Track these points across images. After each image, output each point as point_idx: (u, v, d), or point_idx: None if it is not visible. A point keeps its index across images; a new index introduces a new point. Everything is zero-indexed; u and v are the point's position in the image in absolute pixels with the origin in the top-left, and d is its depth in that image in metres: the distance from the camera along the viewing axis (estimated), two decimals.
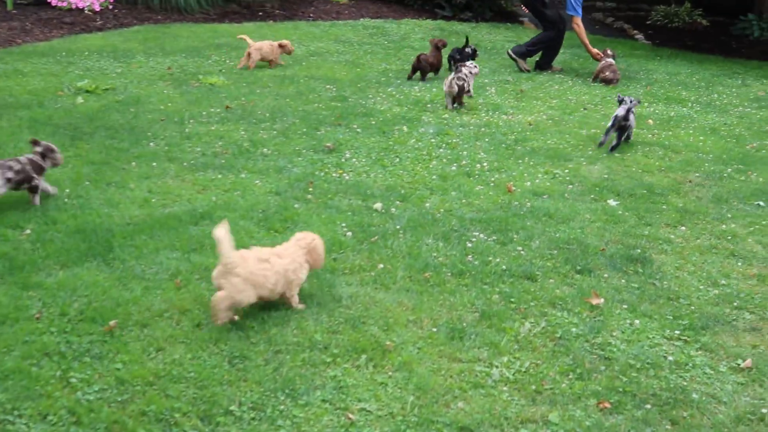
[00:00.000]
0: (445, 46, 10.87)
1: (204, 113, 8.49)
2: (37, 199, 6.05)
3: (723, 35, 16.08)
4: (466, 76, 9.33)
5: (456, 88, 9.24)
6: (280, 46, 10.97)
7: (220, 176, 6.81)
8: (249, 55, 10.66)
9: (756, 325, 4.99)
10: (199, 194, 6.42)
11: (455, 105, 9.35)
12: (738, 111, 10.27)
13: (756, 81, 11.75)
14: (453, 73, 9.41)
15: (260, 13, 14.52)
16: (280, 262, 4.76)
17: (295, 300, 4.89)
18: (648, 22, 16.89)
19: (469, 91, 9.41)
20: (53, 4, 13.19)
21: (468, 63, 9.64)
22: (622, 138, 8.18)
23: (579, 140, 8.39)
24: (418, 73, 10.65)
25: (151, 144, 7.46)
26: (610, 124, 8.14)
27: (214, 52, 11.36)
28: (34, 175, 6.00)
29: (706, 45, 15.03)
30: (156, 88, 9.38)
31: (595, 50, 11.57)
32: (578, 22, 11.46)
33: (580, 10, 11.41)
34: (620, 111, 8.07)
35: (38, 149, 6.12)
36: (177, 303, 4.79)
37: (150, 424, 3.82)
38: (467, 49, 11.01)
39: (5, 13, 12.78)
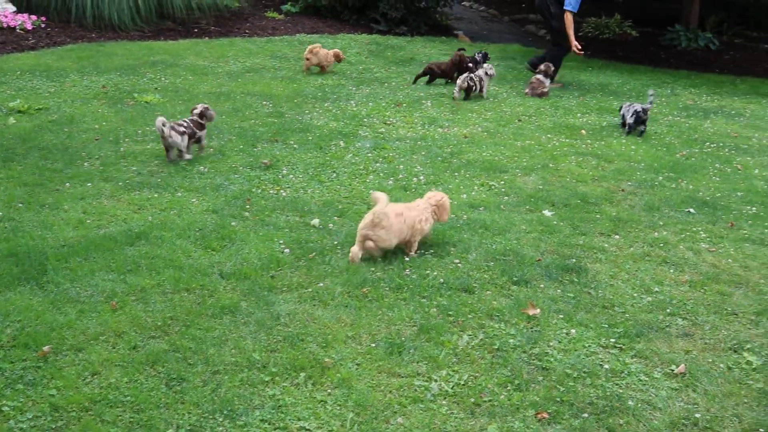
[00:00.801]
0: (466, 63, 11.44)
1: (140, 132, 8.42)
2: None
3: (652, 46, 16.42)
4: (481, 77, 10.70)
5: (466, 85, 10.62)
6: (335, 55, 11.75)
7: (156, 195, 6.76)
8: (308, 59, 11.53)
9: (688, 330, 5.08)
10: (135, 214, 6.36)
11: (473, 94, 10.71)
12: (668, 120, 10.49)
13: (684, 90, 12.02)
14: (468, 72, 10.77)
15: (195, 30, 14.44)
16: (410, 215, 5.80)
17: (413, 248, 5.89)
18: (579, 34, 17.09)
19: (481, 90, 10.68)
20: None
21: (485, 65, 10.82)
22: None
23: (514, 152, 8.49)
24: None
25: (86, 164, 7.38)
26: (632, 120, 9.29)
27: (150, 69, 11.27)
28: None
29: (636, 56, 15.33)
30: (90, 107, 9.27)
31: (575, 43, 11.71)
32: (569, 18, 11.68)
33: (577, 7, 11.59)
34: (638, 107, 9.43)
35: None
36: (113, 326, 4.73)
37: None
38: (477, 56, 11.69)
39: None
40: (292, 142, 8.32)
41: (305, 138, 8.48)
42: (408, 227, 5.78)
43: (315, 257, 5.76)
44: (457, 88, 10.67)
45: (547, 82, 11.34)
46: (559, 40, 12.02)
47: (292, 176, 7.38)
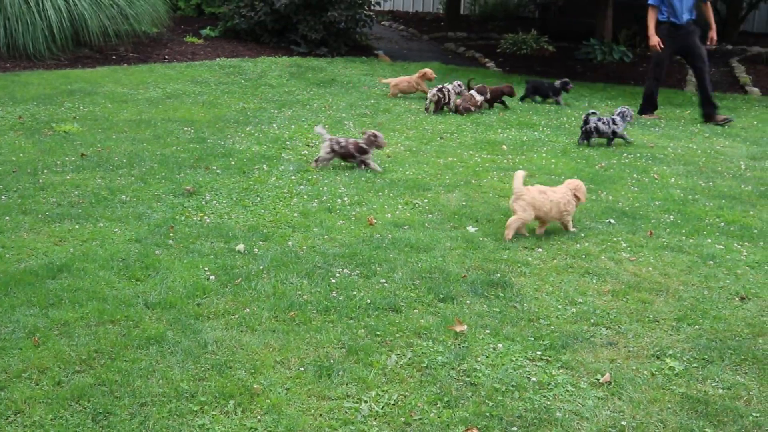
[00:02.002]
0: (485, 95, 11.69)
1: (58, 162, 8.29)
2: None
3: (569, 60, 16.75)
4: (449, 91, 11.23)
5: (436, 98, 11.20)
6: (422, 75, 12.27)
7: (77, 226, 6.65)
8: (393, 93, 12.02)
9: (612, 339, 5.17)
10: (56, 246, 6.26)
11: (442, 110, 11.35)
12: None
13: (601, 102, 12.27)
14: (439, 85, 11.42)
15: (113, 57, 14.29)
16: (554, 195, 6.78)
17: (569, 226, 6.95)
18: (498, 50, 17.44)
19: (448, 103, 11.18)
20: None
21: (455, 82, 11.39)
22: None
23: (437, 169, 8.56)
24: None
25: (3, 197, 7.24)
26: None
27: (67, 98, 11.12)
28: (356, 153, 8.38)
29: (554, 70, 15.61)
30: (6, 138, 9.11)
31: (656, 40, 11.85)
32: (650, 12, 11.90)
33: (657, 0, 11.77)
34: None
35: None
36: (35, 362, 4.64)
37: None
38: (557, 84, 12.28)
39: None
40: (215, 168, 8.27)
41: (228, 163, 8.44)
42: (553, 205, 6.75)
43: (241, 283, 5.73)
44: (427, 101, 11.23)
45: (479, 98, 11.48)
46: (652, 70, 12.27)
47: (215, 202, 7.34)
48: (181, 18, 17.74)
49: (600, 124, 9.99)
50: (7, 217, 6.77)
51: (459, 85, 11.46)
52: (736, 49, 18.80)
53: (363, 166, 8.49)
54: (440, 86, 11.39)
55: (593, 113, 10.09)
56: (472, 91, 11.52)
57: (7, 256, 6.04)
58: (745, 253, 6.68)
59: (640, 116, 12.02)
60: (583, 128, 9.99)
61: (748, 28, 20.77)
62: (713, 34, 11.93)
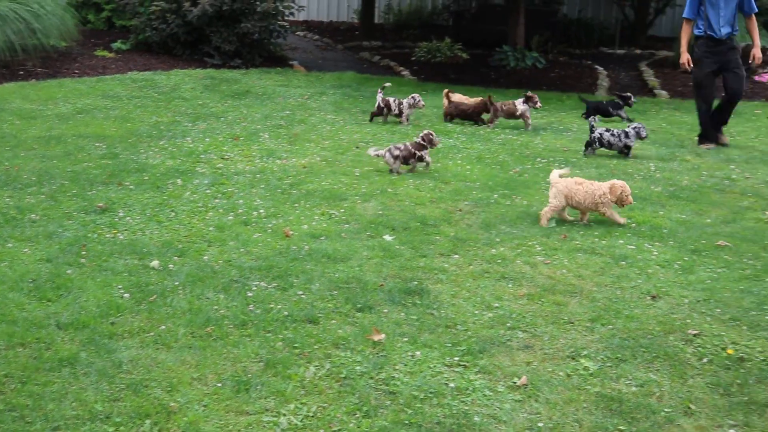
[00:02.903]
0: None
1: None
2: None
3: (483, 67, 16.94)
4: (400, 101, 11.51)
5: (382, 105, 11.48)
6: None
7: None
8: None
9: (528, 342, 5.24)
10: None
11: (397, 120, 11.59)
12: (500, 138, 10.82)
13: None
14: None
15: (21, 72, 13.96)
16: (590, 187, 7.34)
17: (614, 218, 7.43)
18: (413, 59, 17.52)
19: (396, 112, 11.41)
20: None
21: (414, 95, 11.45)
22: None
23: (353, 179, 8.57)
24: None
25: None
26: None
27: None
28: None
29: (468, 77, 15.76)
30: None
31: (685, 57, 11.09)
32: (684, 26, 11.23)
33: (690, 13, 11.01)
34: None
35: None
36: None
37: None
38: (616, 100, 11.85)
39: None
40: (127, 183, 8.14)
41: (141, 178, 8.32)
42: (587, 195, 7.31)
43: (156, 299, 5.65)
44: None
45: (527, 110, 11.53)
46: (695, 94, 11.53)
47: (129, 218, 7.22)
48: (91, 31, 17.41)
49: (609, 136, 10.08)
50: None
51: (413, 97, 11.43)
52: (644, 53, 19.24)
53: (420, 163, 9.02)
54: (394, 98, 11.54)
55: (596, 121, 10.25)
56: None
57: None
58: (656, 253, 6.82)
59: (699, 146, 11.01)
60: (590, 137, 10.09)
61: (655, 33, 21.24)
62: (757, 51, 10.92)
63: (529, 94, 11.43)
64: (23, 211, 7.28)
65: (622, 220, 7.42)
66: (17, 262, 6.22)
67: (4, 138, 9.76)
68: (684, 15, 11.11)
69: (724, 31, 10.69)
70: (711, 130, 11.01)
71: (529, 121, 11.54)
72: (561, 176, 7.51)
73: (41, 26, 14.35)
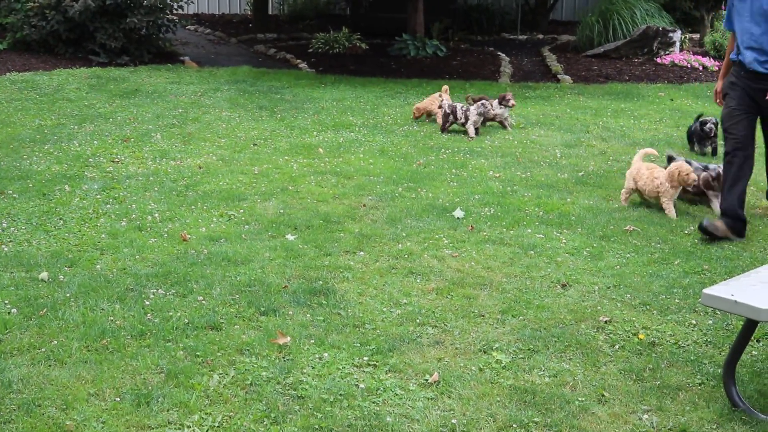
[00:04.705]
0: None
1: None
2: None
3: (382, 57, 16.75)
4: (461, 109, 10.52)
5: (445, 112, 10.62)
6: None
7: None
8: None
9: (439, 338, 5.14)
10: None
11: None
12: (403, 130, 10.67)
13: (417, 99, 12.25)
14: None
15: None
16: (653, 175, 7.43)
17: (667, 210, 7.39)
18: (310, 50, 17.22)
19: (459, 120, 10.54)
20: None
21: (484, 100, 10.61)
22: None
23: (251, 178, 8.31)
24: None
25: None
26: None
27: None
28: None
29: (368, 68, 15.54)
30: None
31: (718, 86, 7.46)
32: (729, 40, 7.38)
33: (728, 25, 7.14)
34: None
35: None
36: None
37: None
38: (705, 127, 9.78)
39: None
40: (10, 192, 7.72)
41: (25, 186, 7.91)
42: (648, 182, 7.41)
43: (47, 313, 5.35)
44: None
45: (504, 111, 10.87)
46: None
47: (13, 228, 6.84)
48: None
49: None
50: None
51: (482, 104, 10.56)
52: (546, 38, 19.29)
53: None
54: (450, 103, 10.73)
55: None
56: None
57: None
58: (565, 240, 6.80)
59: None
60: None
61: (556, 17, 21.44)
62: None
63: (504, 94, 10.92)
64: None
65: (673, 215, 7.36)
66: None
67: None
68: (724, 25, 7.55)
69: (749, 56, 6.85)
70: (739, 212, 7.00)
71: (507, 122, 10.97)
72: (644, 158, 7.81)
73: None
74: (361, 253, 6.48)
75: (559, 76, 15.08)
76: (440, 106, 10.78)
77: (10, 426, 4.19)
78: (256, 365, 4.79)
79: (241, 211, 7.36)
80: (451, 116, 10.55)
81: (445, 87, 11.38)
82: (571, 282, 6.01)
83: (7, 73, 13.66)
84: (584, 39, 17.28)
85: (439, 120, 10.65)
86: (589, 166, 9.20)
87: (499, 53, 17.31)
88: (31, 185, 7.94)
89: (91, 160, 8.89)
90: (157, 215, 7.20)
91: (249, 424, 4.23)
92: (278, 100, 12.17)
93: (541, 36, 19.64)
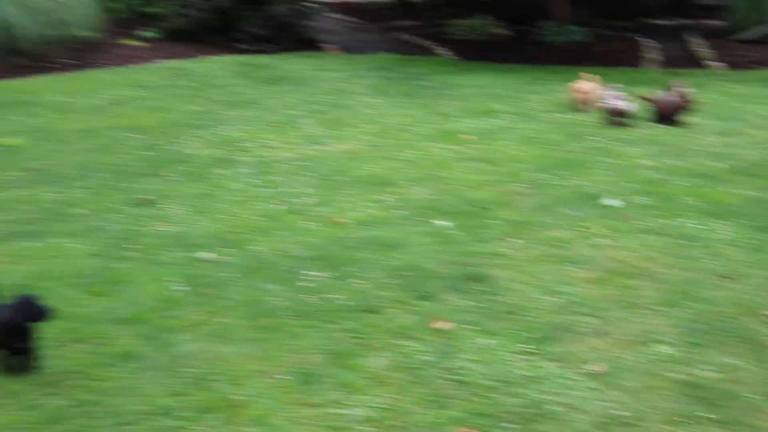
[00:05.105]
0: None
1: (4, 179, 7.95)
2: None
3: (523, 44, 16.50)
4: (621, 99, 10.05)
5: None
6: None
7: (34, 244, 6.35)
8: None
9: (599, 328, 5.07)
10: (13, 266, 5.96)
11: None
12: (549, 117, 10.53)
13: (559, 86, 12.06)
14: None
15: (51, 65, 13.88)
16: None
17: None
18: (450, 37, 17.11)
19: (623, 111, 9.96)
20: None
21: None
22: None
23: (400, 164, 8.37)
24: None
25: None
26: None
27: (7, 111, 10.71)
28: None
29: (509, 55, 15.35)
30: None
31: None
32: None
33: None
34: None
35: None
36: (5, 387, 4.42)
37: None
38: None
39: None
40: (170, 175, 8.00)
41: (183, 169, 8.18)
42: None
43: (211, 292, 5.53)
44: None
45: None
46: None
47: (175, 210, 7.09)
48: (118, 21, 17.24)
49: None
50: None
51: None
52: (691, 23, 18.54)
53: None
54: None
55: None
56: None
57: None
58: (723, 232, 6.59)
59: None
60: None
61: (704, 1, 20.55)
62: None
63: (674, 83, 10.22)
64: (68, 206, 7.18)
65: None
66: (68, 257, 6.12)
67: (41, 132, 9.67)
68: None
69: None
70: None
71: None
72: None
73: (69, 17, 14.25)
74: (514, 240, 6.44)
75: (707, 62, 14.55)
76: (599, 95, 10.40)
77: (183, 398, 4.35)
78: (416, 349, 4.83)
79: (392, 196, 7.42)
80: (616, 107, 10.01)
81: (595, 76, 11.07)
82: (732, 274, 5.84)
83: (159, 61, 14.15)
84: (733, 23, 16.62)
85: (604, 108, 10.12)
86: (745, 155, 8.88)
87: (642, 39, 16.78)
88: (188, 168, 8.21)
89: (243, 144, 9.11)
90: (310, 199, 7.34)
91: (413, 407, 4.28)
92: (421, 87, 12.22)
93: (685, 21, 18.88)
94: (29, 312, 4.54)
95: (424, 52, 15.97)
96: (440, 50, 15.89)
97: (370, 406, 4.29)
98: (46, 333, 4.91)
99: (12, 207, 7.16)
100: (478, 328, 5.06)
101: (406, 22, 19.03)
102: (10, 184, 7.81)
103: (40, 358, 4.61)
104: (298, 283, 5.67)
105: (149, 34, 16.05)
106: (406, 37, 17.44)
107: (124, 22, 17.18)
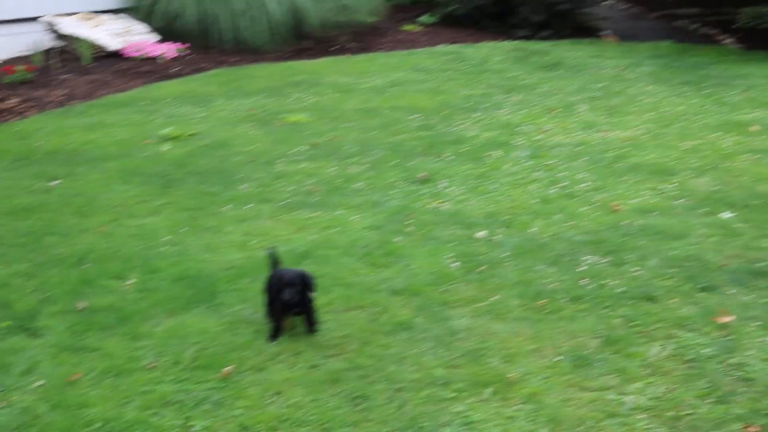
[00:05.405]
0: None
1: (291, 152, 8.40)
2: None
3: None
4: None
5: None
6: None
7: (316, 214, 6.68)
8: None
9: None
10: (297, 234, 6.30)
11: None
12: None
13: None
14: None
15: (334, 48, 14.50)
16: None
17: None
18: (736, 26, 16.22)
19: None
20: (128, 55, 13.34)
21: None
22: None
23: (681, 153, 8.05)
24: None
25: (243, 186, 7.38)
26: None
27: (294, 90, 11.30)
28: None
29: None
30: (240, 130, 9.33)
31: None
32: None
33: None
34: None
35: None
36: (289, 346, 4.68)
37: None
38: None
39: (84, 67, 12.95)
40: (446, 155, 8.14)
41: (459, 150, 8.30)
42: None
43: (486, 270, 5.58)
44: None
45: None
46: None
47: (451, 189, 7.20)
48: (397, 6, 17.74)
49: None
50: (249, 206, 6.89)
51: None
52: None
53: None
54: None
55: None
56: None
57: (252, 243, 6.14)
58: None
59: None
60: None
61: None
62: None
63: None
64: (348, 180, 7.47)
65: None
66: (347, 228, 6.37)
67: (324, 110, 10.10)
68: None
69: None
70: None
71: None
72: None
73: (352, 3, 14.79)
74: None
75: None
76: None
77: (457, 370, 4.43)
78: (696, 341, 4.65)
79: (672, 185, 7.16)
80: None
81: None
82: None
83: (437, 45, 14.43)
84: None
85: None
86: None
87: None
88: (464, 149, 8.31)
89: (519, 128, 9.11)
90: (586, 184, 7.22)
91: (691, 400, 4.13)
92: (703, 76, 11.69)
93: None
94: (307, 277, 4.75)
95: (706, 40, 15.25)
96: (724, 39, 15.12)
97: (646, 395, 4.18)
98: (327, 299, 5.16)
99: (299, 179, 7.54)
100: (765, 325, 4.80)
101: (687, 10, 18.24)
102: (297, 157, 8.22)
103: (320, 322, 4.84)
104: (573, 267, 5.60)
105: (428, 19, 16.38)
106: (687, 24, 16.73)
107: (403, 8, 17.66)
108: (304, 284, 4.67)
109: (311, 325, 4.79)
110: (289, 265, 5.34)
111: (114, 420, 4.06)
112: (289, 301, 4.60)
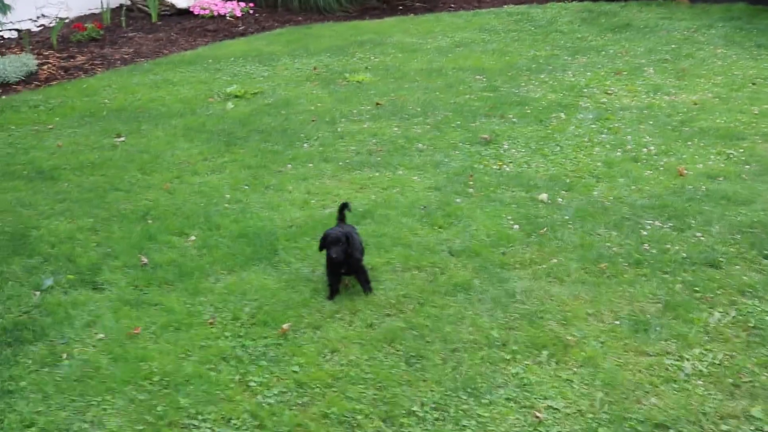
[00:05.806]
0: None
1: (354, 111, 8.40)
2: None
3: None
4: None
5: None
6: None
7: (377, 174, 6.69)
8: None
9: None
10: (358, 193, 6.32)
11: None
12: None
13: None
14: None
15: (400, 8, 14.43)
16: None
17: None
18: None
19: None
20: (195, 13, 13.43)
21: None
22: None
23: (751, 118, 7.86)
24: None
25: (305, 145, 7.41)
26: None
27: (358, 49, 11.29)
28: None
29: None
30: (304, 89, 9.36)
31: None
32: None
33: None
34: None
35: None
36: (347, 304, 4.70)
37: (333, 427, 3.77)
38: None
39: (151, 25, 13.09)
40: (510, 116, 8.07)
41: (523, 111, 8.21)
42: None
43: (546, 233, 5.54)
44: None
45: None
46: None
47: (513, 151, 7.14)
48: None
49: None
50: (310, 165, 6.93)
51: None
52: None
53: None
54: None
55: None
56: None
57: (313, 201, 6.17)
58: None
59: None
60: None
61: None
62: None
63: None
64: (410, 141, 7.45)
65: None
66: (408, 189, 6.37)
67: (388, 70, 10.07)
68: None
69: None
70: None
71: None
72: None
73: None
74: None
75: None
76: None
77: (514, 332, 4.42)
78: (759, 309, 4.58)
79: (741, 150, 7.00)
80: None
81: None
82: None
83: (505, 6, 14.29)
84: None
85: None
86: None
87: None
88: (528, 111, 8.23)
89: (584, 90, 8.97)
90: (651, 148, 7.10)
91: (752, 367, 4.08)
92: None
93: None
94: (351, 235, 4.77)
95: None
96: None
97: (705, 361, 4.13)
98: (385, 259, 5.17)
99: (361, 139, 7.54)
100: None
101: None
102: (360, 117, 8.22)
103: (378, 281, 4.85)
104: (635, 232, 5.52)
105: None
106: None
107: None
108: (348, 242, 4.68)
109: (363, 284, 4.81)
110: (351, 224, 5.38)
111: (173, 374, 4.14)
112: (336, 259, 4.62)
